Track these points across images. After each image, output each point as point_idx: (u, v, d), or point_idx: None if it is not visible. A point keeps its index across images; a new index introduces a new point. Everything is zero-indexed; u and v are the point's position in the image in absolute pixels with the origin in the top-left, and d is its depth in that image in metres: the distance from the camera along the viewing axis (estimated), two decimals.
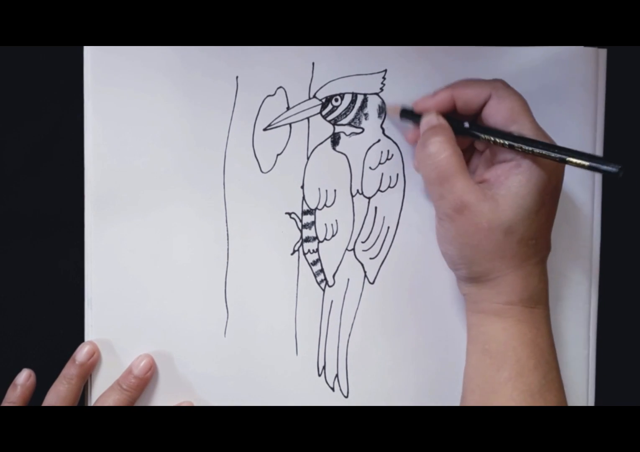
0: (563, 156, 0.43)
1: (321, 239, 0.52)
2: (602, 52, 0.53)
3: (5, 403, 0.50)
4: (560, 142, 0.52)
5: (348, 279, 0.52)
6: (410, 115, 0.49)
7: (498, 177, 0.45)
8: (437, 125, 0.47)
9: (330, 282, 0.52)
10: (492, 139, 0.45)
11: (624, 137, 0.56)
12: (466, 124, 0.47)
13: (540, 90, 0.52)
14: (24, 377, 0.50)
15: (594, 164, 0.42)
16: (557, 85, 0.52)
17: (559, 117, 0.53)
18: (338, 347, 0.52)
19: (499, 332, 0.46)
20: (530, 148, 0.44)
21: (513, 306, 0.46)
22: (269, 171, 0.51)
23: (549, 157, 0.43)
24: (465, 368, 0.48)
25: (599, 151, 0.53)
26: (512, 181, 0.45)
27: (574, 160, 0.42)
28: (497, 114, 0.46)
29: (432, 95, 0.48)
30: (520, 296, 0.46)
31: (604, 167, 0.41)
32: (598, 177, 0.53)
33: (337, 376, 0.52)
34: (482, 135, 0.46)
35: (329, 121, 0.51)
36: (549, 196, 0.45)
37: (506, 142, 0.44)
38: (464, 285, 0.48)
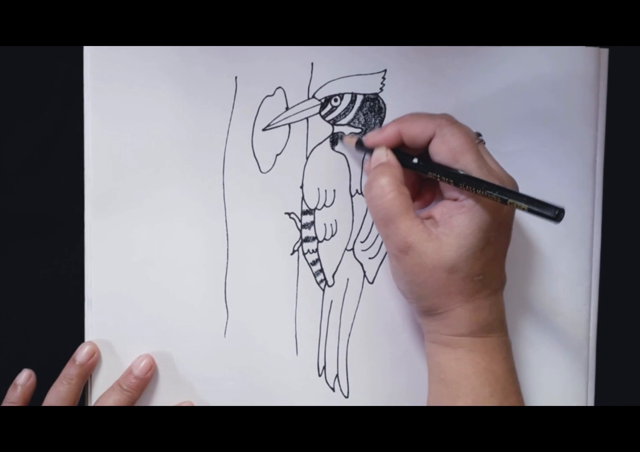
0: (504, 197, 0.43)
1: (320, 239, 0.52)
2: (604, 52, 0.53)
3: (5, 403, 0.50)
4: (561, 142, 0.52)
5: (347, 279, 0.52)
6: (365, 147, 0.49)
7: (443, 215, 0.45)
8: (384, 163, 0.47)
9: (330, 282, 0.52)
10: (438, 176, 0.45)
11: (625, 137, 0.56)
12: (415, 160, 0.47)
13: (541, 90, 0.52)
14: (24, 378, 0.50)
15: (533, 208, 0.42)
16: (558, 85, 0.52)
17: (560, 117, 0.52)
18: (338, 347, 0.52)
19: (452, 362, 0.47)
20: (473, 188, 0.44)
21: (463, 337, 0.46)
22: (268, 171, 0.51)
23: (491, 197, 0.43)
24: (427, 397, 0.49)
25: (599, 151, 0.53)
26: (456, 220, 0.45)
27: (514, 202, 0.42)
28: (441, 152, 0.45)
29: (381, 130, 0.48)
30: (470, 328, 0.46)
31: (543, 212, 0.42)
32: (598, 177, 0.53)
33: (337, 376, 0.52)
34: (429, 172, 0.46)
35: (328, 121, 0.51)
36: (494, 233, 0.45)
37: (451, 180, 0.45)
38: (417, 316, 0.49)
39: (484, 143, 0.47)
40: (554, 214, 0.41)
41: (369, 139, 0.49)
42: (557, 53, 0.52)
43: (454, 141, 0.45)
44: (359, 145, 0.50)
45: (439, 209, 0.46)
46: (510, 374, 0.47)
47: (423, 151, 0.47)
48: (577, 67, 0.52)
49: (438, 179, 0.45)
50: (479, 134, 0.47)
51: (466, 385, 0.46)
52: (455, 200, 0.45)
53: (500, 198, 0.43)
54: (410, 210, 0.46)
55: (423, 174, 0.48)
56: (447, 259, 0.44)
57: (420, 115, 0.47)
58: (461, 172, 0.45)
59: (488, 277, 0.46)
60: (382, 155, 0.47)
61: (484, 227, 0.44)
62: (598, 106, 0.53)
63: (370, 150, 0.49)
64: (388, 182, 0.46)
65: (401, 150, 0.48)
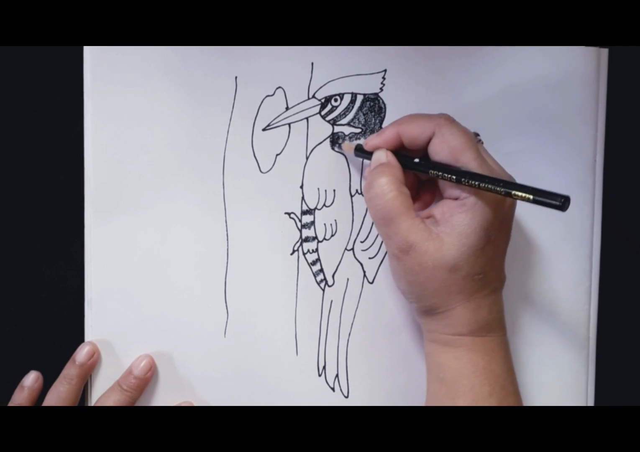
0: (508, 190, 0.43)
1: (320, 238, 0.52)
2: (604, 52, 0.53)
3: (12, 405, 0.50)
4: (561, 142, 0.52)
5: (347, 279, 0.52)
6: (364, 152, 0.49)
7: (443, 214, 0.45)
8: (385, 163, 0.47)
9: (330, 282, 0.52)
10: (440, 173, 0.45)
11: (625, 137, 0.56)
12: (416, 160, 0.47)
13: (541, 90, 0.52)
14: (32, 380, 0.50)
15: (538, 198, 0.42)
16: (558, 85, 0.52)
17: (560, 117, 0.53)
18: (338, 347, 0.52)
19: (451, 361, 0.47)
20: (476, 182, 0.43)
21: (463, 337, 0.46)
22: (268, 171, 0.51)
23: (495, 190, 0.43)
24: (426, 396, 0.49)
25: (599, 151, 0.53)
26: (456, 219, 0.45)
27: (519, 193, 0.42)
28: (441, 151, 0.46)
29: (379, 133, 0.48)
30: (469, 328, 0.46)
31: (548, 201, 0.41)
32: (598, 177, 0.53)
33: (337, 376, 0.52)
34: (430, 171, 0.46)
35: (328, 121, 0.51)
36: (495, 232, 0.45)
37: (453, 177, 0.44)
38: (417, 316, 0.49)
39: (482, 143, 0.47)
40: (560, 202, 0.41)
41: (369, 142, 0.49)
42: (557, 53, 0.52)
43: (453, 140, 0.45)
44: (359, 150, 0.50)
45: (439, 209, 0.46)
46: (509, 374, 0.47)
47: (423, 153, 0.47)
48: (577, 67, 0.52)
49: (439, 178, 0.45)
50: (476, 134, 0.47)
51: (465, 384, 0.46)
52: (456, 199, 0.45)
53: (504, 191, 0.43)
54: (410, 210, 0.46)
55: (423, 175, 0.48)
56: (449, 258, 0.44)
57: (418, 116, 0.47)
58: (463, 169, 0.45)
59: (488, 276, 0.46)
60: (382, 156, 0.47)
61: (485, 226, 0.44)
62: (598, 106, 0.53)
63: (370, 155, 0.49)
64: (388, 182, 0.46)
65: (401, 153, 0.48)
